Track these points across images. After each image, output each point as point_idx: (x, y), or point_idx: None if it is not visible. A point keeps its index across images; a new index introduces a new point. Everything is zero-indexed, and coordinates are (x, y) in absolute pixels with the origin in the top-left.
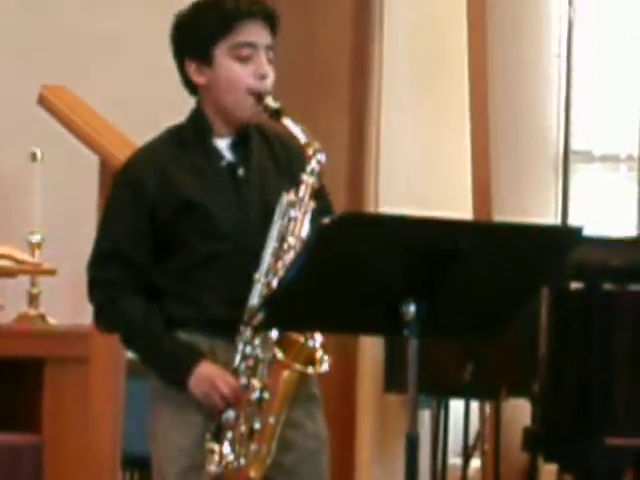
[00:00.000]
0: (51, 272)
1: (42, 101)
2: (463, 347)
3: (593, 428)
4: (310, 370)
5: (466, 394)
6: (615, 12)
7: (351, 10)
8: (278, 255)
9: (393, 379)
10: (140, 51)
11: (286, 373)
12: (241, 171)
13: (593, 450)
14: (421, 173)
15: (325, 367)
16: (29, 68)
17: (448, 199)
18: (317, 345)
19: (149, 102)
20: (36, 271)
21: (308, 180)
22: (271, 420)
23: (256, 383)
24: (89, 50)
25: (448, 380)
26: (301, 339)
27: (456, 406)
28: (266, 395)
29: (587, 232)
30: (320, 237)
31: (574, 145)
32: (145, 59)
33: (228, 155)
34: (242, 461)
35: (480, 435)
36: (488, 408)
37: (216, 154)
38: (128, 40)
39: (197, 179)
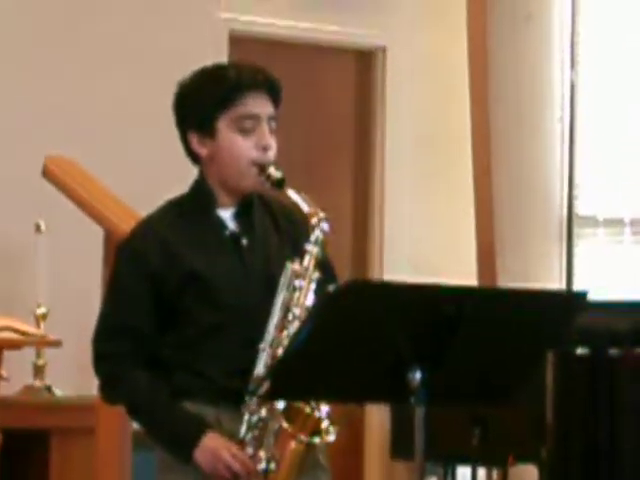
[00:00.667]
0: (56, 343)
1: (46, 173)
2: (470, 413)
3: None
4: (317, 440)
5: (473, 460)
6: (618, 75)
7: (355, 80)
8: (283, 325)
9: (400, 446)
10: (144, 121)
11: (293, 443)
12: (244, 241)
13: None
14: (425, 241)
15: (332, 437)
16: (33, 139)
17: (452, 266)
18: (323, 415)
19: (153, 172)
20: (41, 343)
21: (312, 250)
22: None
23: (262, 454)
24: (95, 120)
25: (455, 446)
26: (307, 409)
27: (463, 472)
28: (272, 466)
29: (592, 296)
30: (326, 305)
31: (578, 210)
32: (149, 129)
33: (231, 225)
34: None
35: None
36: (495, 474)
37: (219, 224)
38: (132, 110)
39: (200, 250)
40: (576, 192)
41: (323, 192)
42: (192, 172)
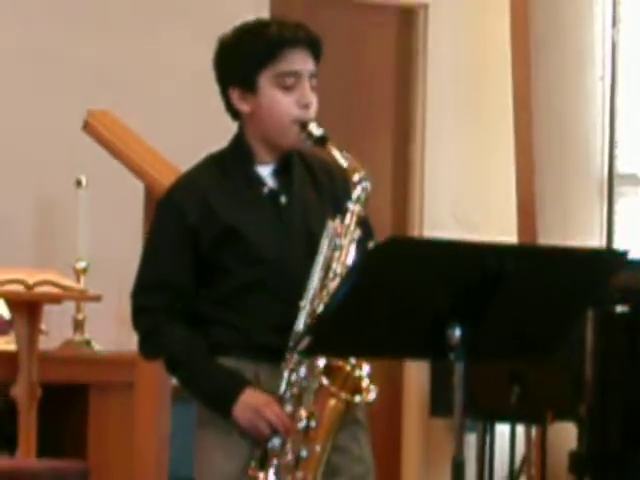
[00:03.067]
0: (96, 298)
1: (87, 127)
2: (509, 371)
3: None
4: (357, 399)
5: (512, 418)
6: None
7: (396, 37)
8: (323, 282)
9: (439, 403)
10: (185, 76)
11: (332, 401)
12: (283, 198)
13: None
14: (465, 197)
15: (372, 396)
16: (75, 94)
17: (492, 223)
18: (364, 374)
19: (194, 127)
20: (81, 297)
21: (354, 208)
22: (317, 449)
23: (302, 411)
24: (135, 75)
25: (494, 404)
26: (348, 367)
27: (502, 430)
28: (313, 424)
29: (632, 256)
30: (366, 262)
31: (619, 168)
32: (190, 84)
33: (270, 182)
34: None
35: (526, 459)
36: (534, 432)
37: (258, 181)
38: (173, 64)
39: (239, 206)
40: (617, 150)
41: (364, 149)
42: (232, 128)
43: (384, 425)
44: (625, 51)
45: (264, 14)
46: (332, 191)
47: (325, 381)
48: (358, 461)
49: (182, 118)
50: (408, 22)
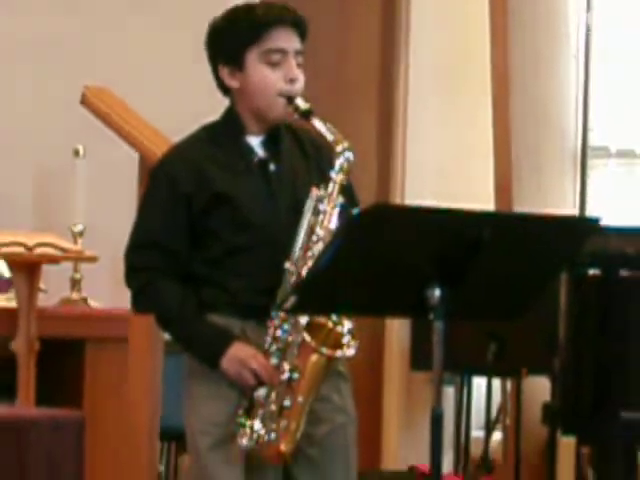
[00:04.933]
0: (92, 259)
1: (85, 101)
2: (486, 328)
3: (610, 403)
4: (338, 354)
5: (488, 372)
6: (632, 14)
7: (381, 15)
8: (308, 246)
9: (419, 358)
10: (179, 56)
11: (314, 356)
12: (272, 167)
13: (609, 424)
14: (446, 168)
15: (351, 352)
16: (73, 68)
17: (471, 192)
18: (345, 330)
19: (185, 102)
20: (78, 258)
21: (336, 177)
22: (300, 399)
23: (286, 365)
24: (130, 52)
25: (471, 359)
26: (329, 324)
27: (479, 383)
28: (295, 376)
29: (604, 223)
30: (349, 227)
31: (592, 141)
32: (182, 63)
33: (260, 152)
34: (272, 436)
35: (502, 410)
36: (509, 385)
37: (248, 150)
38: (168, 45)
39: (229, 174)
40: (590, 124)
41: (349, 124)
42: (223, 104)
43: (366, 378)
44: (598, 32)
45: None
46: (318, 162)
47: (307, 337)
48: (340, 411)
49: (175, 94)
50: (391, 4)
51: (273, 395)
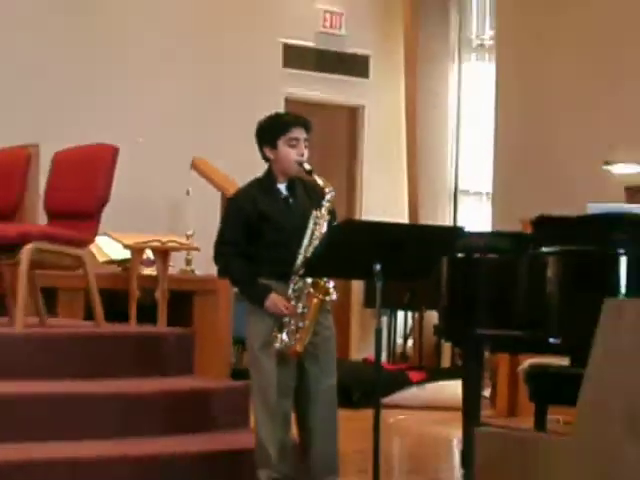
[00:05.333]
0: (197, 249)
1: (193, 166)
2: (404, 285)
3: (469, 324)
4: (327, 298)
5: (405, 308)
6: (484, 94)
7: (347, 123)
8: (310, 242)
9: (369, 301)
10: (245, 141)
11: (315, 300)
12: (291, 200)
13: (469, 336)
14: (384, 204)
15: (334, 297)
16: (182, 142)
17: (396, 214)
18: (330, 285)
19: (247, 166)
20: (190, 248)
21: (326, 204)
22: (307, 323)
23: (300, 305)
24: (227, 128)
25: (396, 301)
26: (322, 282)
27: (400, 315)
28: (305, 310)
29: (466, 230)
30: (332, 232)
31: (460, 185)
32: (247, 145)
33: (284, 192)
34: (292, 342)
35: (413, 329)
36: (417, 315)
37: (278, 191)
38: (243, 135)
39: (268, 203)
40: (460, 174)
41: (332, 177)
42: (264, 166)
43: (341, 311)
44: (467, 105)
45: (280, 109)
46: (315, 197)
47: (311, 290)
48: (327, 329)
49: (243, 161)
50: (353, 115)
51: (292, 321)
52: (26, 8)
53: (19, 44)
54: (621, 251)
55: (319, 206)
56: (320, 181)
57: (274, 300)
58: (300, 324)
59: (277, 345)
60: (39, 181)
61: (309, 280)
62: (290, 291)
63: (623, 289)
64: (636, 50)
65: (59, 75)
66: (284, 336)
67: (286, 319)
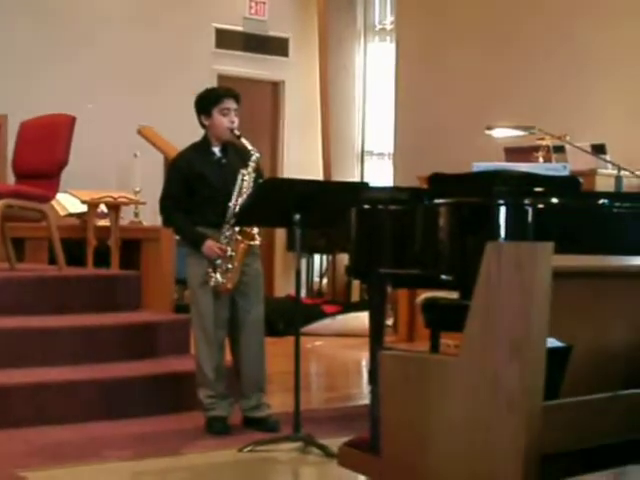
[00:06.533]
0: (143, 203)
1: (140, 132)
2: (320, 231)
3: (373, 263)
4: (252, 243)
5: (321, 251)
6: (386, 70)
7: (271, 96)
8: (239, 196)
9: (290, 245)
10: (187, 110)
11: (242, 245)
12: (224, 161)
13: (373, 274)
14: (301, 161)
15: (257, 242)
16: (129, 111)
17: (311, 171)
18: (255, 232)
19: (188, 132)
20: (138, 203)
21: (251, 164)
22: (236, 264)
23: (229, 249)
24: (169, 98)
25: (314, 246)
26: (248, 230)
27: (317, 258)
28: (233, 254)
29: (372, 185)
30: (259, 188)
31: (366, 147)
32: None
33: (218, 154)
34: (224, 280)
35: (327, 268)
36: (330, 258)
37: (213, 154)
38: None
39: (204, 164)
40: (366, 138)
41: (258, 142)
42: (201, 132)
43: (266, 254)
44: (372, 79)
45: (214, 84)
46: (244, 158)
47: (239, 237)
48: (254, 269)
49: (184, 128)
50: (276, 88)
51: (224, 263)
52: None
53: None
54: (500, 202)
55: (246, 165)
56: (247, 145)
57: (209, 244)
58: (229, 266)
59: (212, 283)
60: (7, 147)
61: (237, 228)
62: (222, 238)
63: (502, 234)
64: (520, 24)
65: (23, 52)
66: (218, 276)
67: (218, 261)
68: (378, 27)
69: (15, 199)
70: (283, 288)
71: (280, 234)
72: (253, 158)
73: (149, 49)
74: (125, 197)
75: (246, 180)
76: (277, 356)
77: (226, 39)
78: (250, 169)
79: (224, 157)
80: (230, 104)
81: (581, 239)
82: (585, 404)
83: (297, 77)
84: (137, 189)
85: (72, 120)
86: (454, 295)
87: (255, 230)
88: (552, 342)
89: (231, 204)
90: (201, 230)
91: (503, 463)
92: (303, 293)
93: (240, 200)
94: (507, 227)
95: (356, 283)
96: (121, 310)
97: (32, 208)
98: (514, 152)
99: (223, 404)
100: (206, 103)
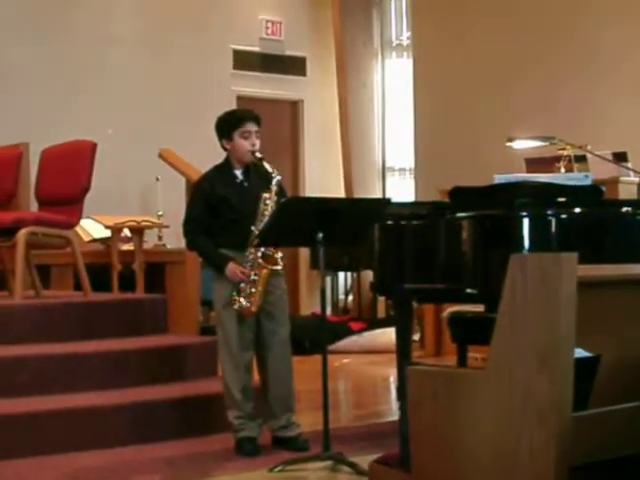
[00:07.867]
0: (167, 226)
1: (161, 155)
2: (343, 250)
3: (397, 280)
4: (275, 268)
5: (345, 269)
6: (404, 86)
7: (290, 115)
8: (261, 219)
9: (314, 263)
10: (208, 133)
11: (265, 270)
12: (246, 184)
13: (397, 290)
14: (322, 180)
15: (280, 267)
16: (150, 135)
17: (334, 190)
18: (278, 256)
19: (209, 155)
20: (161, 225)
21: (274, 188)
22: (260, 288)
23: (253, 273)
24: (188, 122)
25: (337, 264)
26: (271, 253)
27: (341, 275)
28: (256, 278)
29: (394, 201)
30: (281, 208)
31: (387, 163)
32: (210, 137)
33: (240, 177)
34: (248, 304)
35: (352, 286)
36: (355, 275)
37: (235, 176)
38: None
39: (226, 187)
40: (387, 154)
41: (280, 164)
42: (222, 153)
43: (292, 273)
44: (390, 95)
45: (233, 106)
46: (266, 181)
47: (261, 261)
48: (278, 289)
49: (206, 151)
50: (295, 108)
51: (248, 286)
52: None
53: (16, 58)
54: (523, 213)
55: (268, 189)
56: (269, 168)
57: (232, 268)
58: (253, 289)
59: (236, 307)
60: (30, 174)
61: (259, 253)
62: (246, 261)
63: (526, 245)
64: (537, 38)
65: (42, 81)
66: (242, 299)
67: (242, 284)
68: (395, 43)
69: (39, 226)
70: (308, 306)
71: (304, 253)
72: (274, 182)
73: (168, 73)
74: (148, 221)
75: (268, 203)
76: (305, 375)
77: (244, 60)
78: (272, 193)
79: (246, 180)
80: (251, 127)
81: (605, 248)
82: (615, 414)
83: (315, 96)
84: (160, 212)
85: (94, 146)
86: (480, 308)
87: (279, 255)
88: (580, 352)
89: (254, 228)
90: (224, 252)
91: (533, 475)
92: (329, 311)
93: (262, 223)
94: (530, 238)
95: (382, 299)
96: (147, 334)
97: (56, 235)
98: (535, 163)
99: (252, 425)
100: (227, 127)
